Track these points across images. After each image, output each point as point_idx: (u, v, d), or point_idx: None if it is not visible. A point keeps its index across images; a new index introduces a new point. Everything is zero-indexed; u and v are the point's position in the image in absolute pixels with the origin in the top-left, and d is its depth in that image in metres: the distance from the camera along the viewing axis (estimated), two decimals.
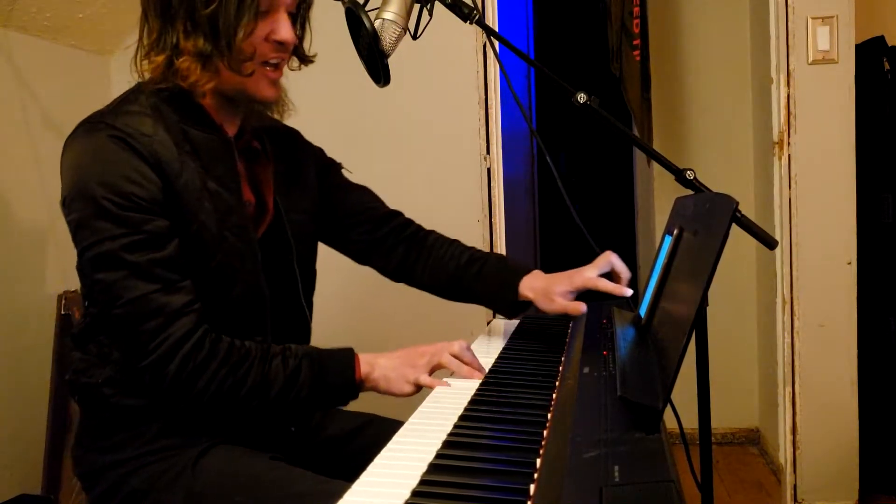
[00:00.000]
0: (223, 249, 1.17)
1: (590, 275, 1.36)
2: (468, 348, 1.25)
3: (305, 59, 1.29)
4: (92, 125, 1.13)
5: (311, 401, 1.17)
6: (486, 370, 1.24)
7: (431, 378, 1.20)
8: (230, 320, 1.18)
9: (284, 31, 1.16)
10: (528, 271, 1.42)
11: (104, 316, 1.14)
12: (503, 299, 1.42)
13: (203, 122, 1.19)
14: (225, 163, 1.20)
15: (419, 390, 1.20)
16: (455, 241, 1.50)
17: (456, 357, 1.22)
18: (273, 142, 1.34)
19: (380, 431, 1.33)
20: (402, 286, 1.50)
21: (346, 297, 1.57)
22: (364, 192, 1.51)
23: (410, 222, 1.51)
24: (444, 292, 1.49)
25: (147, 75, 1.18)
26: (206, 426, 1.19)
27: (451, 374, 1.22)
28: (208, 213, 1.15)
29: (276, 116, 1.27)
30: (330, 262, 1.47)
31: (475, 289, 1.44)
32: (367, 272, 1.51)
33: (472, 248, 1.48)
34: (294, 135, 1.43)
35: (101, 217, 1.07)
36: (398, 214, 1.51)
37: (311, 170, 1.42)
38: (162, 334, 1.08)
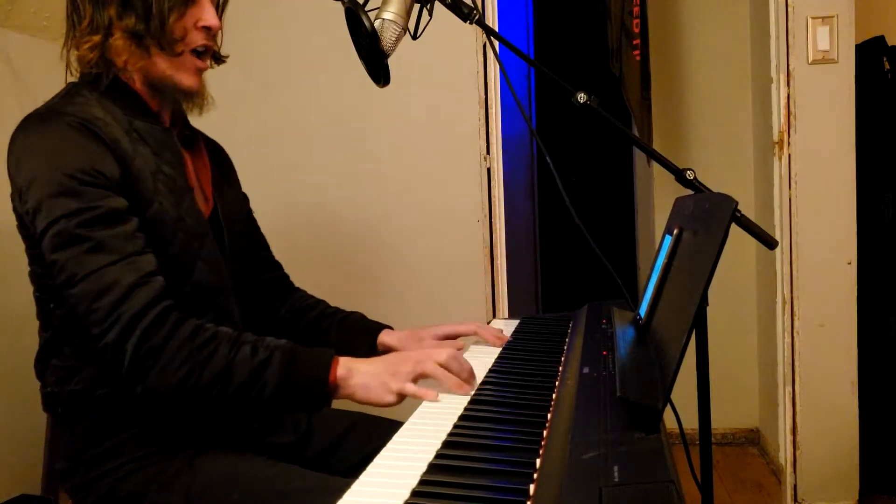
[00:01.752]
0: (182, 230, 1.17)
1: (453, 327, 1.45)
2: (456, 357, 1.14)
3: (219, 59, 1.32)
4: (42, 116, 1.14)
5: (277, 398, 1.08)
6: (484, 370, 1.22)
7: (417, 387, 1.10)
8: (197, 304, 1.16)
9: (211, 17, 1.21)
10: (388, 327, 1.46)
11: (69, 307, 1.11)
12: (361, 344, 1.42)
13: (143, 111, 1.21)
14: (171, 149, 1.22)
15: (402, 400, 1.11)
16: (322, 300, 1.53)
17: (443, 366, 1.12)
18: (204, 140, 1.38)
19: (369, 433, 1.33)
20: (400, 289, 1.50)
21: (342, 299, 1.57)
22: (260, 232, 1.51)
23: (287, 277, 1.53)
24: (301, 334, 1.46)
25: (75, 64, 1.20)
26: (193, 432, 1.17)
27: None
28: (165, 196, 1.16)
29: (195, 110, 1.28)
30: (325, 263, 1.47)
31: (332, 334, 1.44)
32: (365, 274, 1.51)
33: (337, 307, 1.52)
34: (220, 148, 1.45)
35: (60, 195, 1.06)
36: (280, 267, 1.53)
37: (238, 184, 1.45)
38: (117, 309, 1.04)
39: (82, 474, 1.17)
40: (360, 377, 1.11)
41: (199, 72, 1.24)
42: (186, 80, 1.22)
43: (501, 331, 1.48)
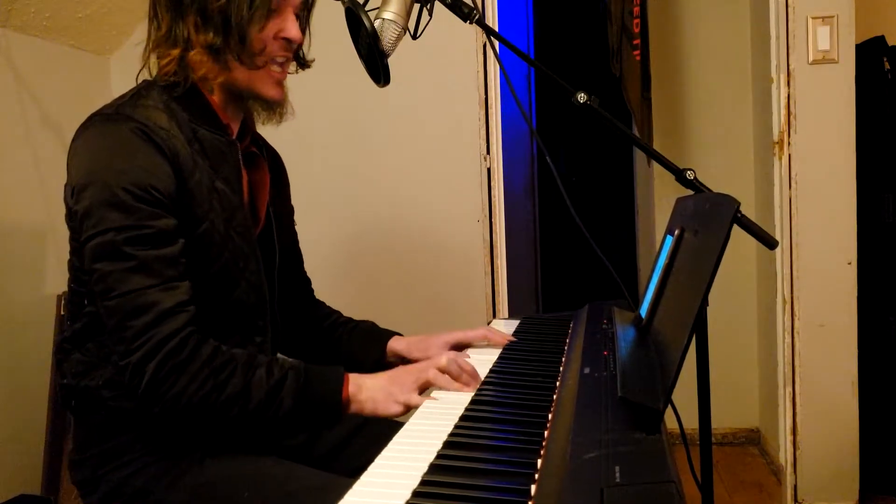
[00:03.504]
0: (229, 249, 1.18)
1: (463, 334, 1.45)
2: (456, 360, 1.18)
3: (304, 64, 1.32)
4: (109, 116, 1.13)
5: (293, 416, 1.12)
6: (485, 370, 1.22)
7: (422, 398, 1.14)
8: (231, 322, 1.17)
9: (294, 29, 1.20)
10: (398, 334, 1.47)
11: (96, 307, 1.11)
12: (372, 350, 1.44)
13: (211, 121, 1.20)
14: (230, 164, 1.21)
15: (409, 410, 1.15)
16: (337, 310, 1.54)
17: (444, 371, 1.17)
18: (268, 152, 1.37)
19: (376, 434, 1.33)
20: (400, 289, 1.50)
21: (343, 301, 1.57)
22: (298, 246, 1.52)
23: (312, 292, 1.54)
24: (315, 343, 1.48)
25: (154, 70, 1.19)
26: (202, 437, 1.17)
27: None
28: (217, 213, 1.16)
29: (275, 118, 1.28)
30: (325, 263, 1.48)
31: (343, 341, 1.46)
32: (365, 274, 1.51)
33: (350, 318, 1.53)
34: (278, 156, 1.45)
35: (112, 206, 1.06)
36: (309, 282, 1.53)
37: (289, 197, 1.46)
38: (148, 332, 1.05)
39: (91, 468, 1.18)
40: (367, 392, 1.15)
41: (281, 82, 1.23)
42: (268, 90, 1.21)
43: (510, 335, 1.48)
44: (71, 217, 1.13)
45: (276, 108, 1.25)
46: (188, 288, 1.10)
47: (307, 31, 1.29)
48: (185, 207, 1.13)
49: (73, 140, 1.14)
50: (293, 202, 1.47)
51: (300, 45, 1.26)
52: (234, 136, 1.24)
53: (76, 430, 1.23)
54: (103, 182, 1.07)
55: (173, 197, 1.11)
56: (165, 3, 1.17)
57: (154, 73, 1.20)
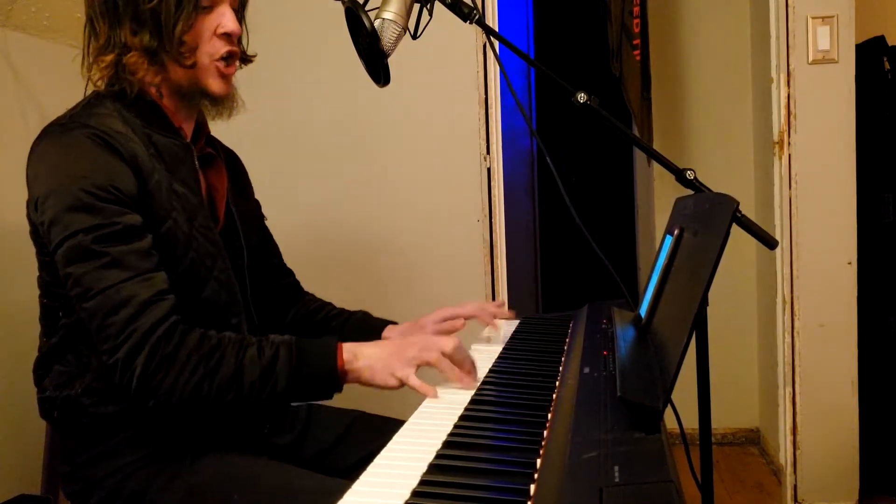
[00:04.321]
0: (194, 248, 1.17)
1: (454, 309, 1.48)
2: (461, 348, 1.16)
3: (246, 59, 1.31)
4: (64, 126, 1.13)
5: (290, 392, 1.11)
6: (485, 369, 1.22)
7: (420, 382, 1.12)
8: (203, 321, 1.16)
9: (231, 23, 1.20)
10: (393, 322, 1.49)
11: (77, 316, 1.11)
12: (366, 341, 1.43)
13: (164, 125, 1.20)
14: (187, 166, 1.22)
15: (404, 385, 1.13)
16: (329, 302, 1.55)
17: (447, 356, 1.14)
18: (224, 152, 1.38)
19: (369, 431, 1.33)
20: (400, 289, 1.51)
21: (343, 299, 1.57)
22: (272, 239, 1.52)
23: (297, 283, 1.54)
24: (308, 336, 1.48)
25: (96, 81, 1.19)
26: (193, 436, 1.17)
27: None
28: (179, 213, 1.16)
29: (224, 114, 1.28)
30: (325, 263, 1.48)
31: (337, 333, 1.46)
32: (365, 274, 1.51)
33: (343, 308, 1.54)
34: (236, 157, 1.45)
35: (77, 209, 1.06)
36: (291, 273, 1.54)
37: (251, 192, 1.46)
38: (131, 325, 1.04)
39: (82, 478, 1.17)
40: (364, 360, 1.14)
41: (227, 77, 1.23)
42: (212, 86, 1.21)
43: (504, 303, 1.51)
44: (36, 231, 1.14)
45: (222, 102, 1.25)
46: (165, 278, 1.10)
47: (245, 26, 1.29)
48: (147, 207, 1.12)
49: (30, 154, 1.15)
50: (293, 202, 1.47)
51: (241, 40, 1.26)
52: (188, 139, 1.25)
53: (61, 442, 1.22)
54: (65, 189, 1.07)
55: (135, 197, 1.11)
56: (101, 12, 1.17)
57: (95, 85, 1.20)
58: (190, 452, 1.16)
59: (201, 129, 1.31)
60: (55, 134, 1.13)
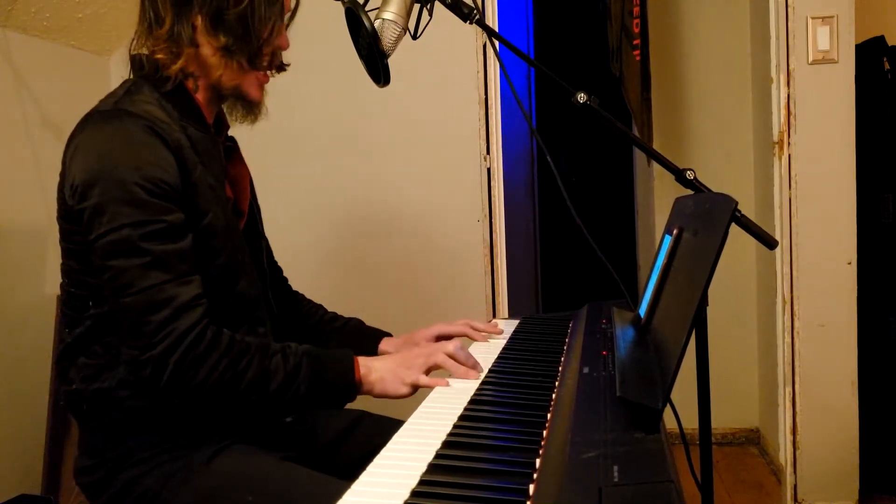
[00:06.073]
0: (232, 241, 1.20)
1: (445, 326, 1.50)
2: (463, 348, 1.24)
3: (282, 67, 1.34)
4: (109, 113, 1.12)
5: (309, 399, 1.16)
6: (485, 369, 1.23)
7: (429, 378, 1.20)
8: (237, 314, 1.19)
9: (286, 37, 1.27)
10: (388, 334, 1.52)
11: (110, 308, 1.12)
12: (364, 351, 1.43)
13: (198, 118, 1.21)
14: (216, 160, 1.23)
15: (415, 391, 1.20)
16: (319, 304, 1.57)
17: (451, 357, 1.22)
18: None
19: (372, 429, 1.35)
20: (400, 289, 1.51)
21: (342, 299, 1.57)
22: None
23: (286, 280, 1.56)
24: (302, 340, 1.50)
25: (144, 62, 1.19)
26: (214, 426, 1.19)
27: (450, 375, 1.22)
28: (216, 205, 1.18)
29: (250, 119, 1.31)
30: (325, 263, 1.48)
31: (333, 341, 1.49)
32: (365, 274, 1.51)
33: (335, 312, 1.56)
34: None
35: (126, 202, 1.06)
36: (280, 270, 1.55)
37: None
38: (168, 326, 1.06)
39: (102, 472, 1.17)
40: (376, 373, 1.20)
41: (263, 84, 1.27)
42: (253, 92, 1.25)
43: (496, 324, 1.51)
44: (72, 216, 1.12)
45: (255, 108, 1.28)
46: (200, 282, 1.12)
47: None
48: (190, 199, 1.14)
49: (72, 139, 1.13)
50: (292, 202, 1.48)
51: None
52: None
53: (84, 436, 1.22)
54: (114, 178, 1.07)
55: (179, 190, 1.12)
56: (169, 2, 1.17)
57: (147, 69, 1.19)
58: (208, 452, 1.16)
59: (222, 122, 1.32)
60: (100, 121, 1.12)
